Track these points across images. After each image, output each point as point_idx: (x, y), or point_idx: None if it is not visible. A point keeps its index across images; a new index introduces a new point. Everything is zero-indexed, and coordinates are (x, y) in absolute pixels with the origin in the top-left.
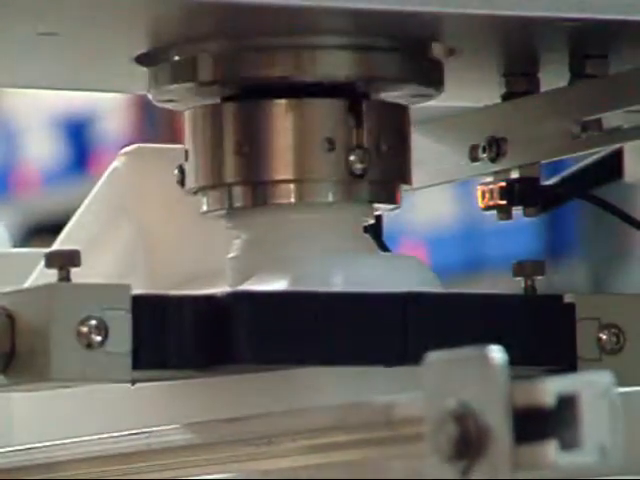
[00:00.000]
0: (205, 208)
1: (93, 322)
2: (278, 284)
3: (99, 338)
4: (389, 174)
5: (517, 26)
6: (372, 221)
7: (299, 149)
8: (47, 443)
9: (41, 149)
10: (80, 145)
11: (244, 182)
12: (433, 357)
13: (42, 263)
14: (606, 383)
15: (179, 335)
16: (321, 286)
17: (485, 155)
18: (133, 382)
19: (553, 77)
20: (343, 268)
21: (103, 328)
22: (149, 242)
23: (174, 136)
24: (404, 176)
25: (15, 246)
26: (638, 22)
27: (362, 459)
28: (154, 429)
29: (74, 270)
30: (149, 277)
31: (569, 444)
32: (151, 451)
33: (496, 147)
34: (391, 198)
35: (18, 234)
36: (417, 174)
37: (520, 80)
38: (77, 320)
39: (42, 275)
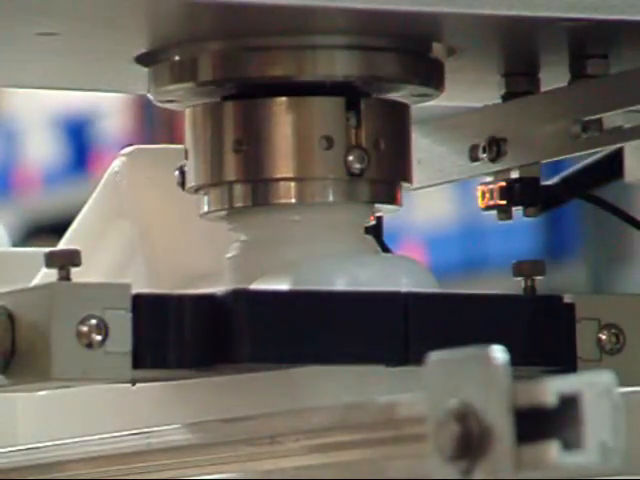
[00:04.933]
0: (205, 209)
1: (93, 321)
2: (278, 286)
3: (99, 338)
4: (389, 173)
5: (517, 26)
6: (373, 222)
7: (297, 147)
8: (47, 443)
9: (41, 149)
10: (80, 145)
11: (243, 180)
12: (435, 357)
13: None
14: (608, 383)
15: (179, 334)
16: (319, 287)
17: (485, 155)
18: (133, 382)
19: (553, 77)
20: (340, 270)
21: (103, 327)
22: (148, 244)
23: (174, 136)
24: (404, 175)
25: (15, 246)
26: (638, 22)
27: (364, 459)
28: (154, 429)
29: (75, 270)
30: (149, 278)
31: (571, 444)
32: (151, 451)
33: (496, 147)
34: (391, 198)
35: (18, 234)
36: (417, 174)
37: (520, 80)
38: (77, 320)
39: (46, 275)
